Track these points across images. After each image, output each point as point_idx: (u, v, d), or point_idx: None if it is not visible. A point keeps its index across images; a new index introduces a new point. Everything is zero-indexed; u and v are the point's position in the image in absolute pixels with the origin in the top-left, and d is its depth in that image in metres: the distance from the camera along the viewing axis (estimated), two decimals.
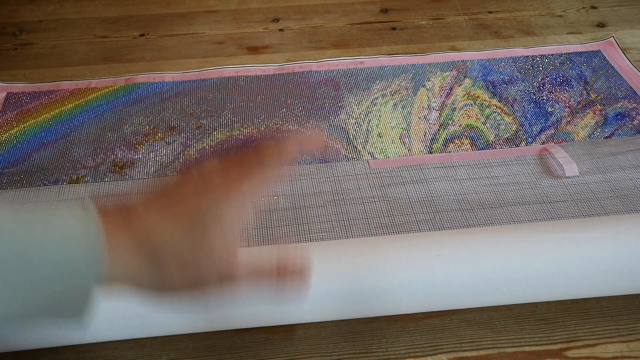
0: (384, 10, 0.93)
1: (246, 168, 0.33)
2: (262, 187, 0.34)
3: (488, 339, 0.49)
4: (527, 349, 0.48)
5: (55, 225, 0.30)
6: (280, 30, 0.88)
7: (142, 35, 0.87)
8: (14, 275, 0.28)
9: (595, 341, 0.49)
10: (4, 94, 0.75)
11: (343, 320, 0.50)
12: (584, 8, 0.92)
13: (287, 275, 0.34)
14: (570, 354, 0.48)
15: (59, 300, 0.30)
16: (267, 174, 0.34)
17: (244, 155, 0.34)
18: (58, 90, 0.75)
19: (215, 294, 0.33)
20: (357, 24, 0.90)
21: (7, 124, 0.71)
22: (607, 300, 0.51)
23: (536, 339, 0.49)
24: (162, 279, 0.32)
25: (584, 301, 0.51)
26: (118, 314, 0.44)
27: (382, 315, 0.49)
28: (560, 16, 0.90)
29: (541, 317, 0.50)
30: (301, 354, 0.48)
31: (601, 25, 0.88)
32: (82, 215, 0.31)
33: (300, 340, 0.49)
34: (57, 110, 0.72)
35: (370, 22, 0.90)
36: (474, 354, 0.48)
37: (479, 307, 0.50)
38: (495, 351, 0.48)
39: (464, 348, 0.48)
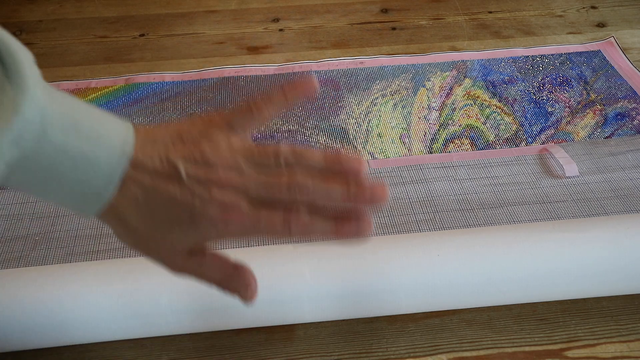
0: (384, 10, 0.93)
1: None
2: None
3: (488, 339, 0.49)
4: (527, 349, 0.48)
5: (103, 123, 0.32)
6: (280, 30, 0.88)
7: (142, 35, 0.87)
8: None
9: (595, 341, 0.49)
10: None
11: (343, 320, 0.50)
12: (584, 8, 0.92)
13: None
14: (570, 354, 0.48)
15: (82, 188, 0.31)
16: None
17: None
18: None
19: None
20: (357, 24, 0.90)
21: None
22: (607, 300, 0.51)
23: (536, 339, 0.49)
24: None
25: (584, 301, 0.51)
26: (118, 314, 0.44)
27: (382, 315, 0.49)
28: (560, 16, 0.90)
29: (541, 317, 0.50)
30: (301, 354, 0.48)
31: (601, 25, 0.88)
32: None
33: (300, 340, 0.49)
34: None
35: (370, 22, 0.90)
36: (474, 354, 0.48)
37: (479, 307, 0.50)
38: (495, 351, 0.48)
39: (464, 348, 0.48)
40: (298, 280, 0.45)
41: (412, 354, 0.48)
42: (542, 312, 0.51)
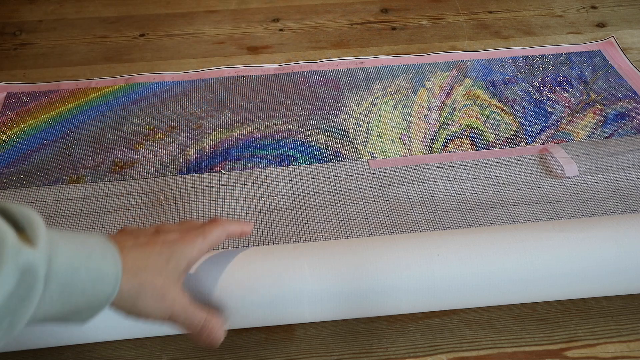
0: (384, 10, 0.93)
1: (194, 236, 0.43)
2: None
3: (488, 339, 0.49)
4: (527, 349, 0.48)
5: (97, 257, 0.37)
6: (280, 30, 0.89)
7: (142, 35, 0.87)
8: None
9: (595, 341, 0.49)
10: (4, 94, 0.75)
11: (343, 320, 0.50)
12: (584, 8, 0.92)
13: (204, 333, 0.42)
14: (570, 354, 0.48)
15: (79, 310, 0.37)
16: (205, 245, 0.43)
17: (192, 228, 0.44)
18: (58, 90, 0.75)
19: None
20: (357, 24, 0.90)
21: (7, 124, 0.71)
22: (607, 300, 0.51)
23: (536, 339, 0.49)
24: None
25: (584, 301, 0.51)
26: (118, 314, 0.44)
27: (382, 315, 0.49)
28: (560, 16, 0.91)
29: (541, 317, 0.50)
30: (301, 354, 0.48)
31: (601, 25, 0.88)
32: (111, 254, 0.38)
33: (300, 340, 0.49)
34: (57, 110, 0.72)
35: (370, 22, 0.90)
36: (474, 354, 0.48)
37: (479, 307, 0.50)
38: (495, 351, 0.48)
39: (464, 348, 0.48)
40: (298, 280, 0.45)
41: (412, 354, 0.48)
42: (542, 312, 0.51)
